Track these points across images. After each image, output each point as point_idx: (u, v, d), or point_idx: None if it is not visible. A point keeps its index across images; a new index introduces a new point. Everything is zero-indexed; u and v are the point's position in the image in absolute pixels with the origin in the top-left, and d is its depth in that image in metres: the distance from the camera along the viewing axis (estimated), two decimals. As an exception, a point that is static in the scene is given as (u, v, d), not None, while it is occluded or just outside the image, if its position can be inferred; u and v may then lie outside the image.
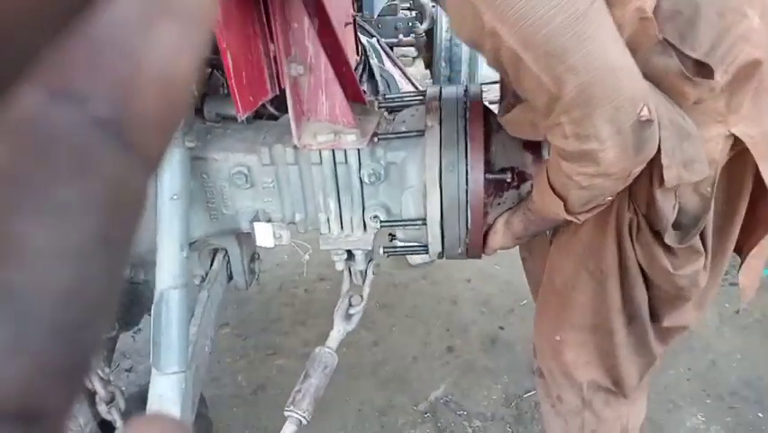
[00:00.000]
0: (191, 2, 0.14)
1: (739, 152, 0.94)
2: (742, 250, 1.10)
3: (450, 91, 1.24)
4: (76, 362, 0.13)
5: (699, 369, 2.02)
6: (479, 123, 1.16)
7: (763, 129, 0.92)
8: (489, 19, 0.77)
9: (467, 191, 1.15)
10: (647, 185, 0.97)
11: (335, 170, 1.23)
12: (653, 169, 0.92)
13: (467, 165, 1.14)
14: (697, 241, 1.02)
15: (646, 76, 0.83)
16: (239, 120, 1.20)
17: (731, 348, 2.10)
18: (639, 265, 1.08)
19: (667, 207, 0.96)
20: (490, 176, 1.16)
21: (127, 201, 0.14)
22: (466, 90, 1.24)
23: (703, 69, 0.86)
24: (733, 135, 0.91)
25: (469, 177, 1.14)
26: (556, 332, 1.23)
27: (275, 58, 1.16)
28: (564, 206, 0.96)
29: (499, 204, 1.22)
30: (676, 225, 1.00)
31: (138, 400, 1.42)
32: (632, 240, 1.06)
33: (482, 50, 0.85)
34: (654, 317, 1.15)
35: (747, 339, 2.13)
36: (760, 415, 1.83)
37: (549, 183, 0.96)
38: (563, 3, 0.73)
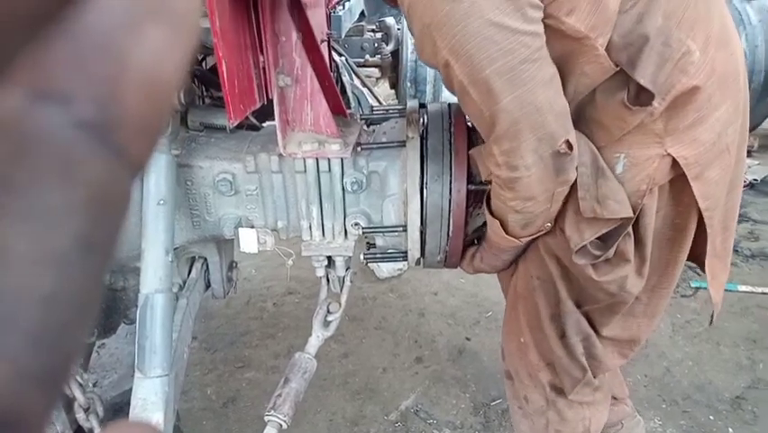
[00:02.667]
0: (178, 5, 0.14)
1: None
2: (699, 260, 1.16)
3: (435, 107, 1.30)
4: (55, 367, 0.13)
5: (655, 375, 2.12)
6: (462, 137, 1.23)
7: (697, 152, 1.00)
8: (445, 53, 0.90)
9: (450, 201, 1.21)
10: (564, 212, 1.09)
11: (319, 178, 1.27)
12: (570, 199, 1.05)
13: (451, 176, 1.20)
14: (626, 249, 1.08)
15: (599, 105, 0.97)
16: (227, 128, 1.23)
17: (683, 356, 2.21)
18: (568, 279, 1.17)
19: (574, 237, 1.07)
20: (472, 187, 1.22)
21: (110, 205, 0.13)
22: (450, 107, 1.31)
23: (644, 96, 0.95)
24: (670, 155, 1.00)
25: (452, 187, 1.20)
26: (520, 334, 1.30)
27: (263, 68, 1.20)
28: (504, 229, 1.09)
29: (478, 214, 1.28)
30: (601, 236, 1.08)
31: (107, 413, 1.41)
32: (556, 256, 1.16)
33: (439, 72, 0.98)
34: (594, 328, 1.21)
35: (698, 347, 2.26)
36: (711, 418, 1.94)
37: (489, 210, 1.11)
38: (506, 50, 0.87)
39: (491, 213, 1.12)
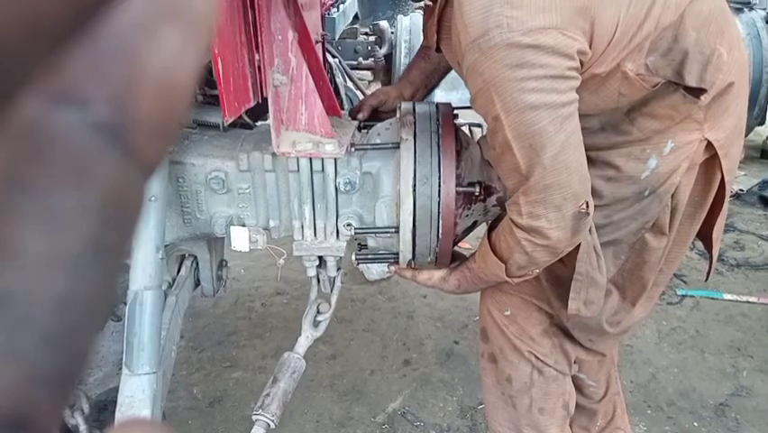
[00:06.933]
0: (193, 7, 0.14)
1: (714, 154, 1.16)
2: (704, 236, 1.31)
3: (423, 108, 1.30)
4: (67, 369, 0.13)
5: (641, 382, 2.14)
6: (450, 139, 1.23)
7: (726, 135, 1.16)
8: (498, 108, 0.97)
9: (439, 203, 1.21)
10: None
11: (312, 177, 1.27)
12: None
13: (440, 178, 1.21)
14: (664, 223, 1.20)
15: (652, 97, 1.09)
16: (221, 126, 1.23)
17: (669, 362, 2.24)
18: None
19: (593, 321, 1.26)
20: (460, 189, 1.23)
21: (124, 206, 0.13)
22: (438, 108, 1.31)
23: (692, 91, 1.08)
24: (706, 140, 1.14)
25: (441, 189, 1.21)
26: (504, 308, 1.35)
27: (259, 67, 1.20)
28: (505, 268, 1.15)
29: (467, 215, 1.29)
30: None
31: (92, 411, 1.39)
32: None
33: (486, 122, 1.05)
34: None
35: (683, 354, 2.28)
36: (695, 424, 1.96)
37: (492, 248, 1.16)
38: (550, 107, 0.95)
39: (493, 250, 1.16)
